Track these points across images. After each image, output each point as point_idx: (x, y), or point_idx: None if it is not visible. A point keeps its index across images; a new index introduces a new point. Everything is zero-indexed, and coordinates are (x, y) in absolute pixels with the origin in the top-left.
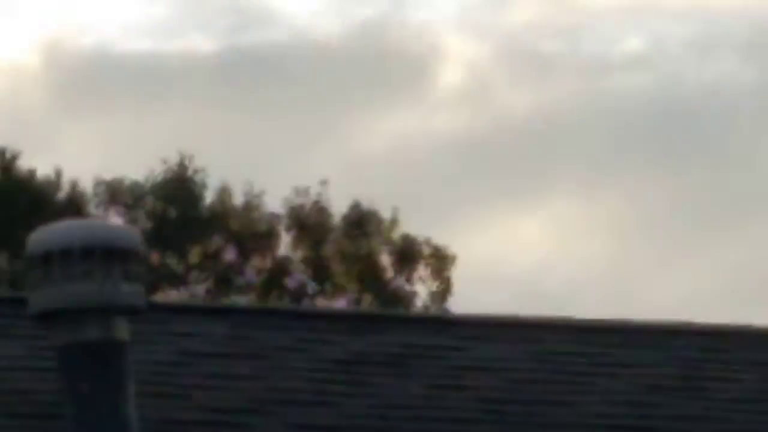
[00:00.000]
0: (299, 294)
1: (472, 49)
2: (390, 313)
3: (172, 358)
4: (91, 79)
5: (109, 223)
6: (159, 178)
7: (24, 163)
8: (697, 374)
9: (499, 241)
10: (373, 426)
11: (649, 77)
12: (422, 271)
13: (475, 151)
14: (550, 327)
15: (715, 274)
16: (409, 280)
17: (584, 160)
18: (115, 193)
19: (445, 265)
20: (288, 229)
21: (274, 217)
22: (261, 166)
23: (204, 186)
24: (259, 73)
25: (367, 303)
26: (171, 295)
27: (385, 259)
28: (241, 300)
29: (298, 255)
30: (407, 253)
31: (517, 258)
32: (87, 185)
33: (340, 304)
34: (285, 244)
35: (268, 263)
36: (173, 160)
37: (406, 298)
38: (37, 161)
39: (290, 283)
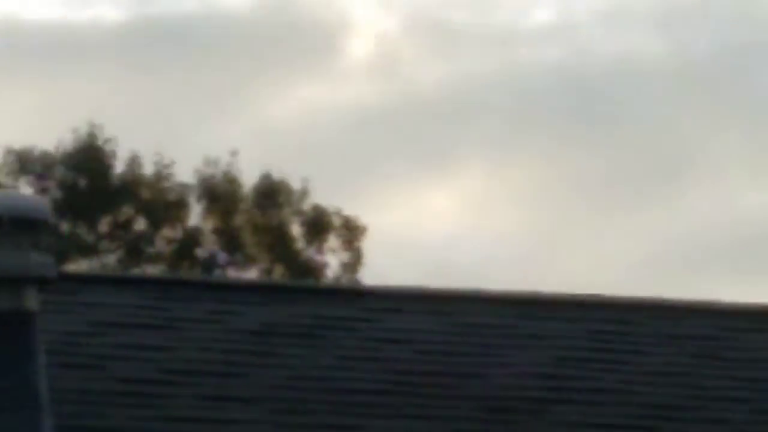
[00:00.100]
0: (210, 265)
1: (381, 21)
2: (301, 284)
3: (83, 329)
4: None
5: (18, 193)
6: (69, 148)
7: None
8: (608, 347)
9: (409, 213)
10: (284, 397)
11: (558, 49)
12: (333, 242)
13: (384, 123)
14: (461, 299)
15: (627, 247)
16: (320, 251)
17: (493, 131)
18: (24, 162)
19: (355, 236)
20: (198, 199)
21: (185, 187)
22: (171, 137)
23: (114, 156)
24: (169, 43)
25: (278, 274)
26: (81, 265)
27: (296, 230)
28: (152, 270)
29: (208, 225)
30: (318, 224)
31: (427, 230)
32: None
33: (251, 275)
34: (195, 214)
35: (178, 233)
36: (83, 129)
37: (317, 269)
38: None
39: (201, 253)
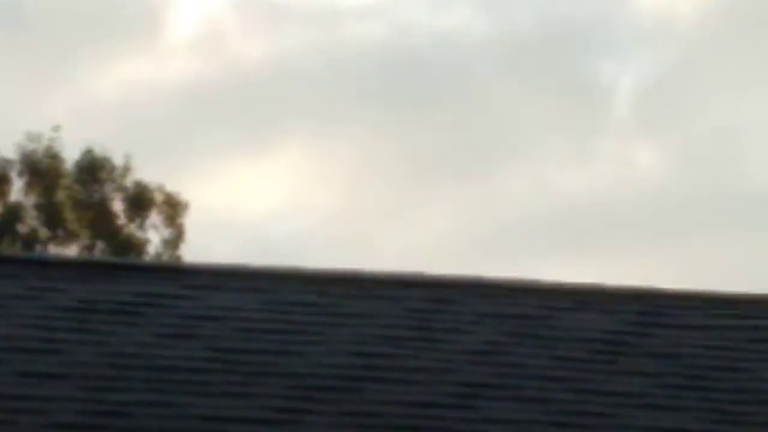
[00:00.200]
0: (31, 240)
1: None
2: (122, 261)
3: None
4: None
5: None
6: None
7: None
8: (429, 325)
9: (232, 189)
10: (102, 374)
11: (382, 26)
12: (155, 218)
13: (208, 100)
14: (281, 277)
15: (447, 225)
16: (141, 227)
17: (317, 108)
18: None
19: (177, 212)
20: (20, 174)
21: (6, 162)
22: None
23: None
24: None
25: (100, 251)
26: None
27: (118, 206)
28: None
29: (30, 201)
30: (140, 200)
31: (249, 207)
32: None
33: (72, 251)
34: (17, 190)
35: None
36: None
37: (139, 246)
38: None
39: (22, 229)
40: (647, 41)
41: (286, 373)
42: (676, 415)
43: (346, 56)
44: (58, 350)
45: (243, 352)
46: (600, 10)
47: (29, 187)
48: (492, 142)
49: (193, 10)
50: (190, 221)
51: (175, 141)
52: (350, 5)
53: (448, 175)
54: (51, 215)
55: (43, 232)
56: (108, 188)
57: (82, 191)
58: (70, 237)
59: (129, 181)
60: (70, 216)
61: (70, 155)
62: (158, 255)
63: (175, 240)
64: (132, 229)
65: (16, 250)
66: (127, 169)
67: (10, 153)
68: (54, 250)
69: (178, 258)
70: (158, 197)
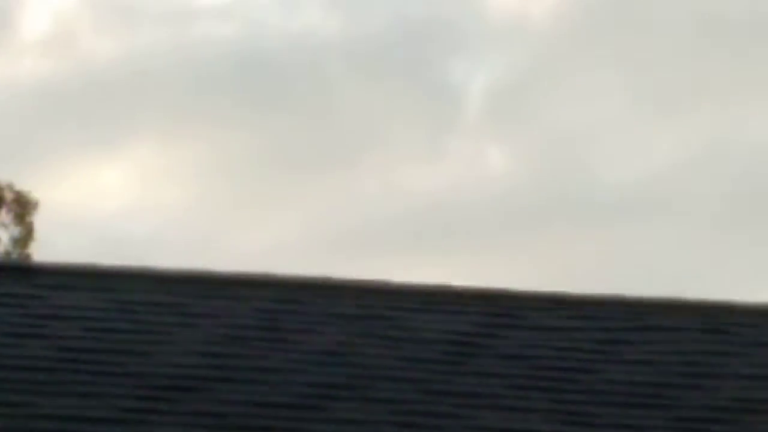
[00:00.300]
0: None
1: None
2: None
3: None
4: None
5: None
6: None
7: None
8: (275, 325)
9: (83, 188)
10: None
11: (235, 26)
12: (4, 216)
13: (58, 98)
14: (129, 276)
15: (297, 225)
16: None
17: (168, 107)
18: None
19: (27, 210)
20: None
21: None
22: None
23: None
24: None
25: None
26: None
27: None
28: None
29: None
30: None
31: (99, 205)
32: None
33: None
34: None
35: None
36: None
37: None
38: None
39: None
40: (499, 42)
41: (135, 373)
42: (525, 416)
43: (198, 56)
44: None
45: (91, 351)
46: (453, 11)
47: None
48: (343, 141)
49: (44, 8)
50: (40, 220)
51: (25, 139)
52: (202, 5)
53: (299, 174)
54: None
55: None
56: None
57: None
58: None
59: None
60: None
61: None
62: (7, 253)
63: (24, 238)
64: None
65: None
66: None
67: None
68: None
69: (28, 257)
70: (7, 195)
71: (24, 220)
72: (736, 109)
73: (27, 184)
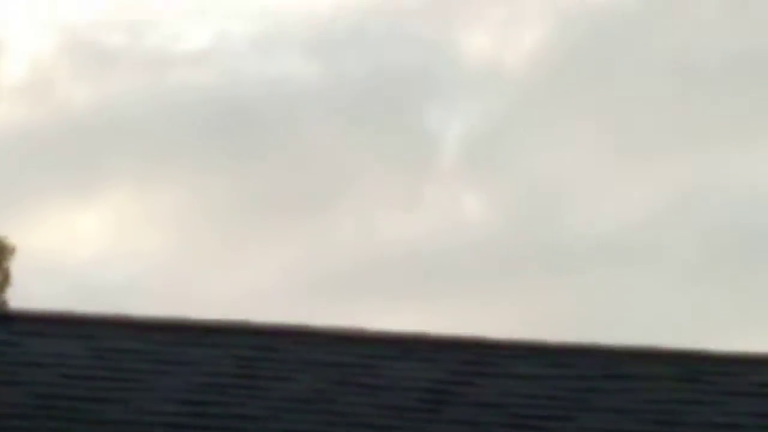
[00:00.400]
0: None
1: (35, 42)
2: None
3: None
4: None
5: None
6: None
7: None
8: (253, 373)
9: (59, 234)
10: None
11: (212, 73)
12: None
13: (35, 144)
14: (107, 323)
15: (273, 271)
16: None
17: (145, 154)
18: None
19: (4, 256)
20: None
21: None
22: None
23: None
24: None
25: None
26: None
27: None
28: None
29: None
30: None
31: (76, 251)
32: None
33: None
34: None
35: None
36: None
37: None
38: None
39: None
40: (475, 89)
41: (112, 421)
42: None
43: (175, 102)
44: None
45: (67, 398)
46: (429, 58)
47: None
48: (320, 188)
49: (21, 54)
50: (16, 266)
51: (1, 184)
52: (180, 52)
53: (276, 220)
54: None
55: None
56: None
57: None
58: None
59: None
60: None
61: None
62: None
63: (1, 284)
64: None
65: None
66: None
67: None
68: None
69: (4, 303)
70: None
71: (1, 265)
72: (713, 157)
73: (3, 229)
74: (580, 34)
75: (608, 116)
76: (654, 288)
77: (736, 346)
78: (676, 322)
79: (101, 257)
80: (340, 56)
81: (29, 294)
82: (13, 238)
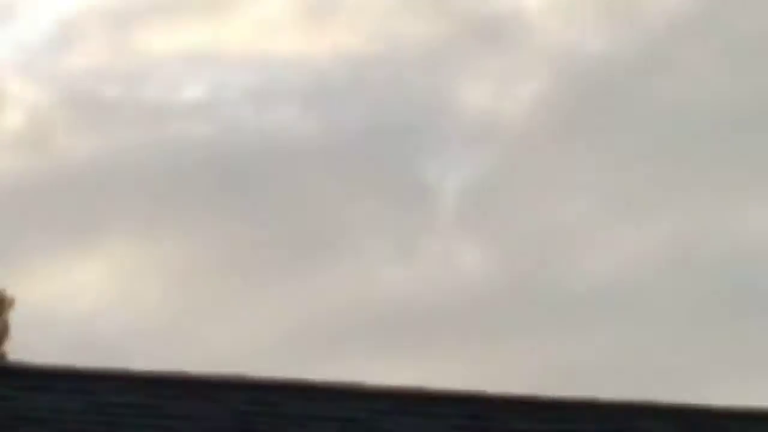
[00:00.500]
0: None
1: (33, 93)
2: None
3: None
4: None
5: None
6: None
7: None
8: (252, 428)
9: (58, 287)
10: None
11: (209, 124)
12: None
13: (33, 196)
14: (105, 377)
15: (271, 326)
16: None
17: (144, 206)
18: None
19: (2, 308)
20: None
21: None
22: None
23: None
24: None
25: None
26: None
27: None
28: None
29: None
30: None
31: (74, 304)
32: None
33: None
34: None
35: None
36: None
37: None
38: None
39: None
40: (473, 142)
41: None
42: None
43: (173, 154)
44: None
45: None
46: (426, 112)
47: None
48: (317, 240)
49: (18, 106)
50: (15, 318)
51: (1, 236)
52: (178, 104)
53: (272, 273)
54: None
55: None
56: None
57: None
58: None
59: None
60: None
61: None
62: None
63: None
64: None
65: None
66: None
67: None
68: None
69: (3, 356)
70: None
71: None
72: (712, 206)
73: (1, 281)
74: (579, 86)
75: (608, 168)
76: (654, 341)
77: (737, 400)
78: (675, 376)
79: (99, 310)
80: (338, 108)
81: (30, 347)
82: (12, 290)
